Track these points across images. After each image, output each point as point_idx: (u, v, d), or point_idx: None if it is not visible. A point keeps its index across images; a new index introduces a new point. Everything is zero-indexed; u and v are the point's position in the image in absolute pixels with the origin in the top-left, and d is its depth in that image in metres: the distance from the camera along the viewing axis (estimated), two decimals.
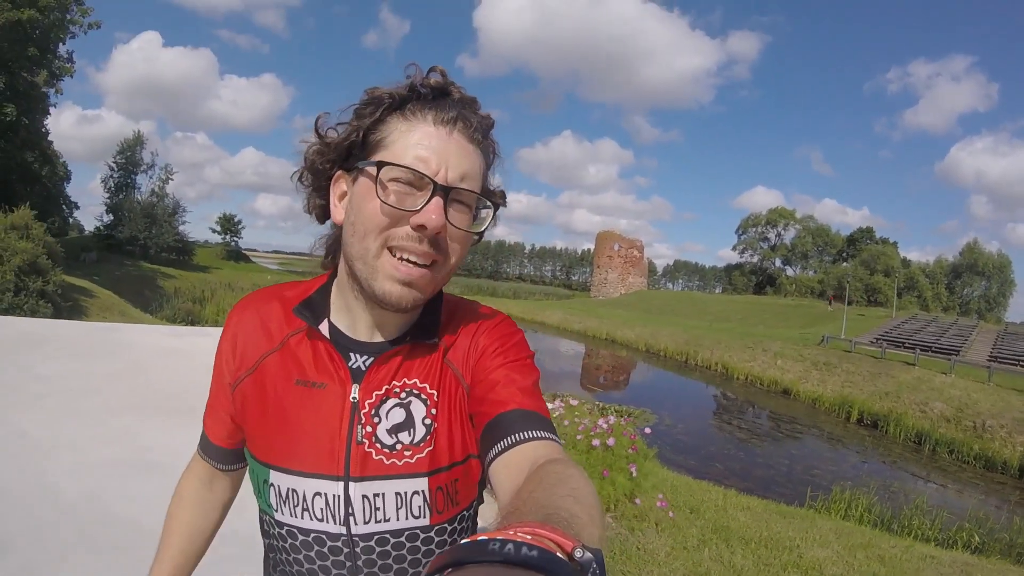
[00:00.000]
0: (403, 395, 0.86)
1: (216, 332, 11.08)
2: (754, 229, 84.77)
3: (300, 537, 0.86)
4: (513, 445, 0.76)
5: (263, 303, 0.94)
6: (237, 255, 69.40)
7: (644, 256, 70.71)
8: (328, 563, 0.86)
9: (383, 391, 0.85)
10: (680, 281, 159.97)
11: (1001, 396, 19.28)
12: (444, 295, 0.95)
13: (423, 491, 0.84)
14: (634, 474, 5.10)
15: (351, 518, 0.84)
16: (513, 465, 0.73)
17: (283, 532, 0.88)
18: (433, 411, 0.86)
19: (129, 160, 49.06)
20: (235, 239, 71.51)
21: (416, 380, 0.87)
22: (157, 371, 7.04)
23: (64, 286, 18.51)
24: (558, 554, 0.38)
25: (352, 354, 0.88)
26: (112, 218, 47.12)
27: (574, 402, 6.42)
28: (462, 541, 0.38)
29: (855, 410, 20.02)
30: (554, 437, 0.78)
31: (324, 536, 0.85)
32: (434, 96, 0.83)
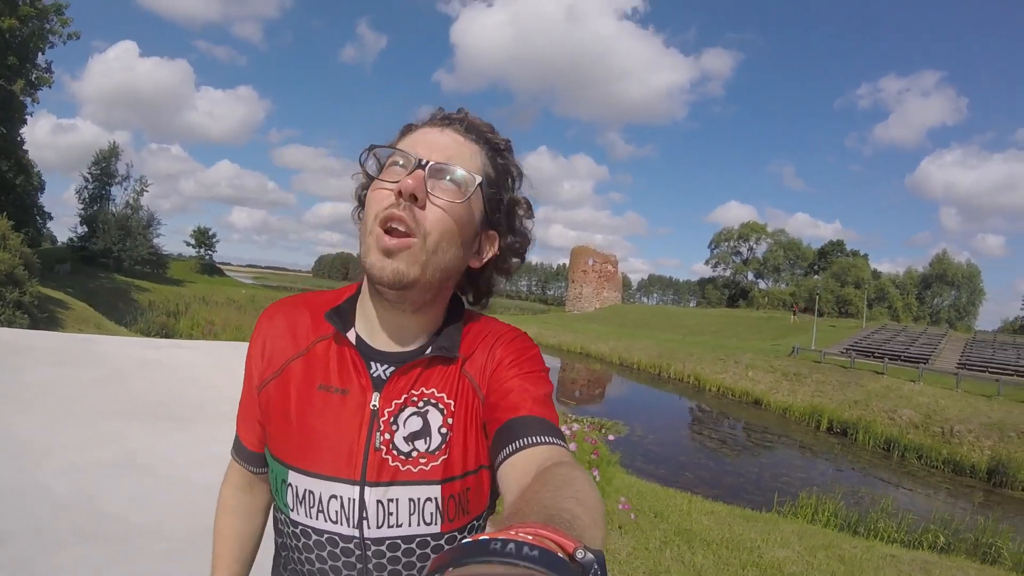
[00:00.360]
0: (421, 404, 0.88)
1: (192, 345, 11.77)
2: (727, 243, 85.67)
3: (314, 537, 0.88)
4: (521, 448, 0.77)
5: (292, 309, 0.97)
6: (211, 269, 68.77)
7: (618, 271, 71.23)
8: (339, 564, 0.87)
9: (402, 400, 0.88)
10: (655, 295, 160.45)
11: (969, 402, 19.74)
12: (466, 312, 0.98)
13: (436, 498, 0.85)
14: (597, 478, 5.20)
15: (365, 522, 0.85)
16: (520, 467, 0.75)
17: (297, 532, 0.89)
18: (449, 420, 0.88)
19: (104, 171, 48.51)
20: (209, 252, 70.94)
21: (434, 390, 0.89)
22: (138, 380, 7.24)
23: (40, 297, 18.33)
24: (559, 555, 0.38)
25: (373, 363, 0.90)
26: (86, 229, 46.54)
27: None
28: (464, 540, 0.38)
29: (825, 419, 20.38)
30: (562, 443, 0.80)
31: (337, 538, 0.87)
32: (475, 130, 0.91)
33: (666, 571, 4.37)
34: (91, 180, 48.50)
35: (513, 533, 0.40)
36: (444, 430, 0.87)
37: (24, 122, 30.70)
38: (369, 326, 0.92)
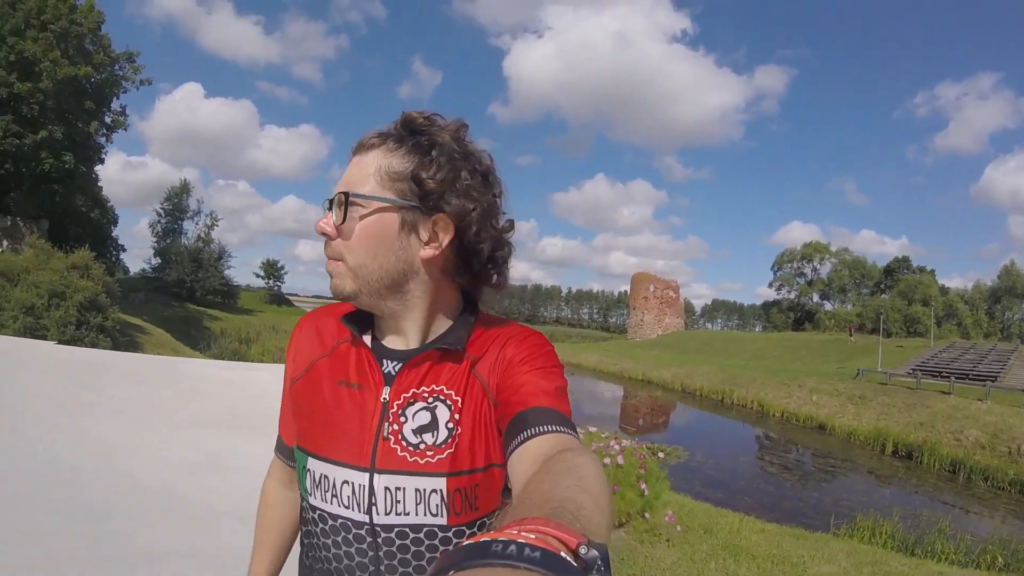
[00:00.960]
0: (430, 399, 0.92)
1: (262, 367, 12.79)
2: (789, 265, 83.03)
3: (329, 522, 0.93)
4: (529, 438, 0.79)
5: (322, 316, 1.07)
6: (280, 299, 70.64)
7: (680, 296, 69.80)
8: (352, 550, 0.92)
9: (411, 394, 0.93)
10: (719, 321, 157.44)
11: None
12: (480, 312, 1.03)
13: (441, 490, 0.88)
14: (645, 492, 5.44)
15: (374, 508, 0.90)
16: (528, 456, 0.77)
17: (315, 516, 0.95)
18: (456, 416, 0.91)
19: (176, 206, 50.96)
20: (278, 284, 73.13)
21: (443, 386, 0.93)
22: (214, 398, 8.05)
23: (120, 323, 19.54)
24: (562, 553, 0.38)
25: (386, 360, 0.96)
26: (160, 261, 48.82)
27: (592, 429, 6.74)
28: (465, 543, 0.38)
29: (890, 442, 19.79)
30: (570, 432, 0.81)
31: (350, 523, 0.91)
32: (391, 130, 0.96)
33: None
34: (164, 215, 51.01)
35: (515, 532, 0.40)
36: (451, 425, 0.91)
37: (101, 161, 32.68)
38: (381, 329, 1.00)
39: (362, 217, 0.90)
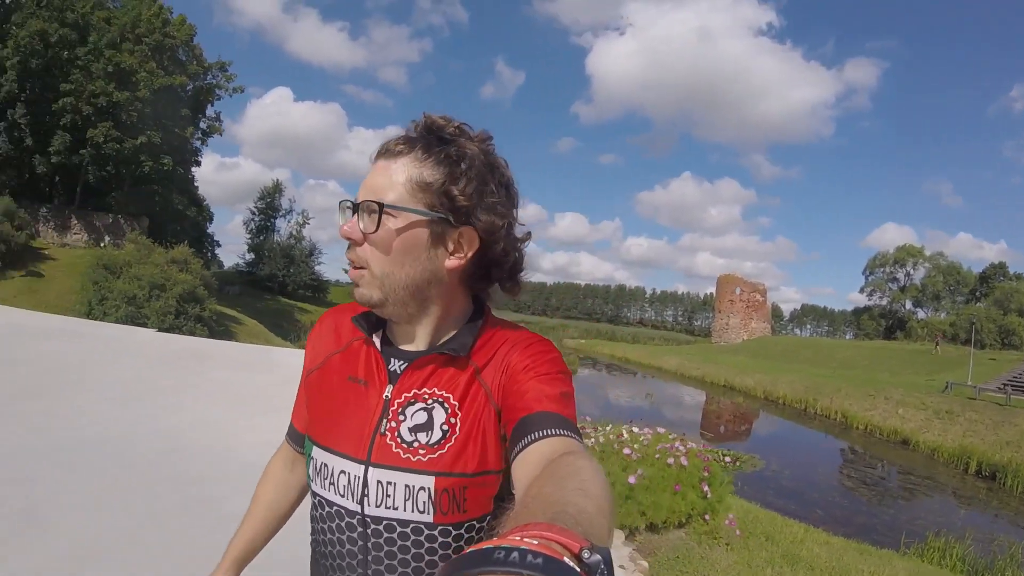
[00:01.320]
0: (429, 401, 0.95)
1: None
2: (881, 269, 78.38)
3: (327, 508, 0.98)
4: (533, 442, 0.81)
5: (340, 314, 1.11)
6: None
7: (767, 300, 67.39)
8: (344, 537, 0.96)
9: (412, 394, 0.95)
10: (808, 327, 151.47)
11: None
12: (489, 316, 1.04)
13: (429, 489, 0.90)
14: (708, 494, 5.52)
15: (366, 499, 0.93)
16: (530, 461, 0.78)
17: (317, 502, 1.01)
18: (452, 420, 0.93)
19: (269, 205, 53.25)
20: None
21: (444, 390, 0.95)
22: None
23: (217, 313, 20.91)
24: (565, 559, 0.38)
25: (393, 360, 1.00)
26: (253, 256, 51.17)
27: (661, 430, 6.73)
28: (468, 549, 0.39)
29: (974, 461, 18.76)
30: (573, 435, 0.82)
31: (343, 511, 0.96)
32: (417, 136, 0.97)
33: None
34: (257, 213, 53.33)
35: (518, 539, 0.40)
36: (446, 427, 0.93)
37: (197, 163, 34.63)
38: (392, 330, 1.03)
39: (395, 228, 0.92)
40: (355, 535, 0.95)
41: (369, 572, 0.95)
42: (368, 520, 0.94)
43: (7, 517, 3.79)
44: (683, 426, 19.86)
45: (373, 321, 1.03)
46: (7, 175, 28.96)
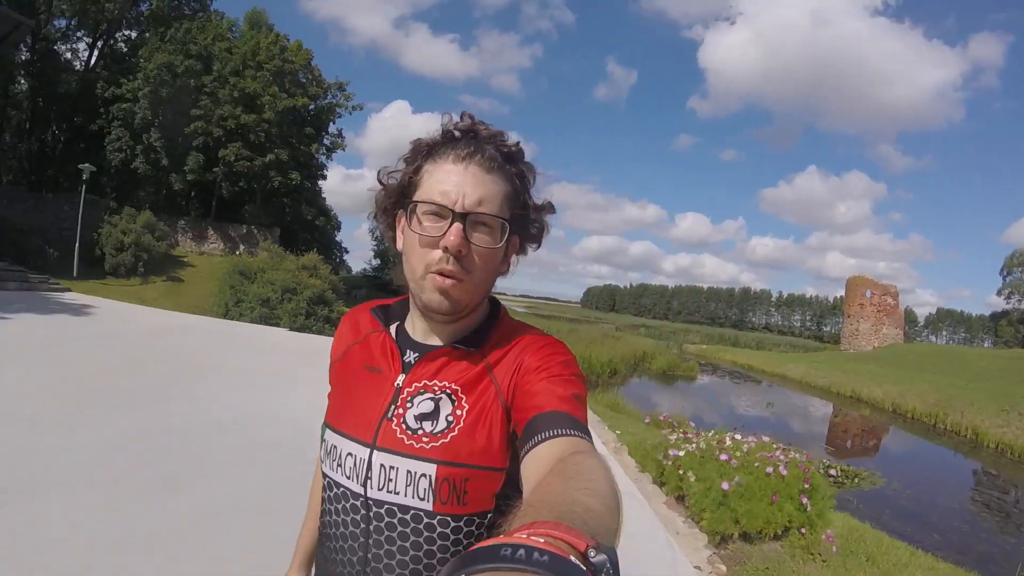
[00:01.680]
0: (438, 392, 0.97)
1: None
2: (1020, 269, 71.45)
3: (334, 490, 1.01)
4: (542, 441, 0.81)
5: (360, 311, 1.17)
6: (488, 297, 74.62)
7: (899, 304, 62.74)
8: (348, 519, 0.99)
9: (422, 384, 0.98)
10: (944, 333, 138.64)
11: None
12: (504, 316, 1.08)
13: (430, 476, 0.92)
14: (808, 507, 5.40)
15: (369, 481, 0.95)
16: (540, 459, 0.78)
17: (327, 483, 1.03)
18: (459, 412, 0.95)
19: None
20: None
21: (453, 383, 0.98)
22: None
23: (343, 314, 22.24)
24: (571, 557, 0.39)
25: (408, 351, 1.03)
26: (379, 262, 53.78)
27: (765, 438, 6.64)
28: (475, 546, 0.39)
29: None
30: (582, 435, 0.82)
31: (348, 492, 0.98)
32: (462, 137, 0.98)
33: None
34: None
35: (525, 536, 0.41)
36: (451, 418, 0.95)
37: (323, 177, 36.71)
38: (412, 324, 1.07)
39: (497, 243, 0.96)
40: (358, 517, 0.98)
41: (369, 556, 0.97)
42: (371, 503, 0.96)
43: (154, 480, 4.64)
44: (808, 440, 19.12)
45: (391, 313, 1.11)
46: (147, 192, 32.24)
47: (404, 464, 0.94)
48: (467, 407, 0.95)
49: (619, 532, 0.56)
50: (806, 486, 5.53)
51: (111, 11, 30.02)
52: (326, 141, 34.93)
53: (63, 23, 31.77)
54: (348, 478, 0.98)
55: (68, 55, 32.19)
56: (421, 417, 0.96)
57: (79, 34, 32.19)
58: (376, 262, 53.96)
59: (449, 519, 0.93)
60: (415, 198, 0.97)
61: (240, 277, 20.02)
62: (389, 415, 0.97)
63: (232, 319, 18.62)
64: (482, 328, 1.04)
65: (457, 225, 0.92)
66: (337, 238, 47.40)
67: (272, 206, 31.71)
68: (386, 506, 0.94)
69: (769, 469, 5.48)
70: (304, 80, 31.92)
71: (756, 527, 5.23)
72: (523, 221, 1.02)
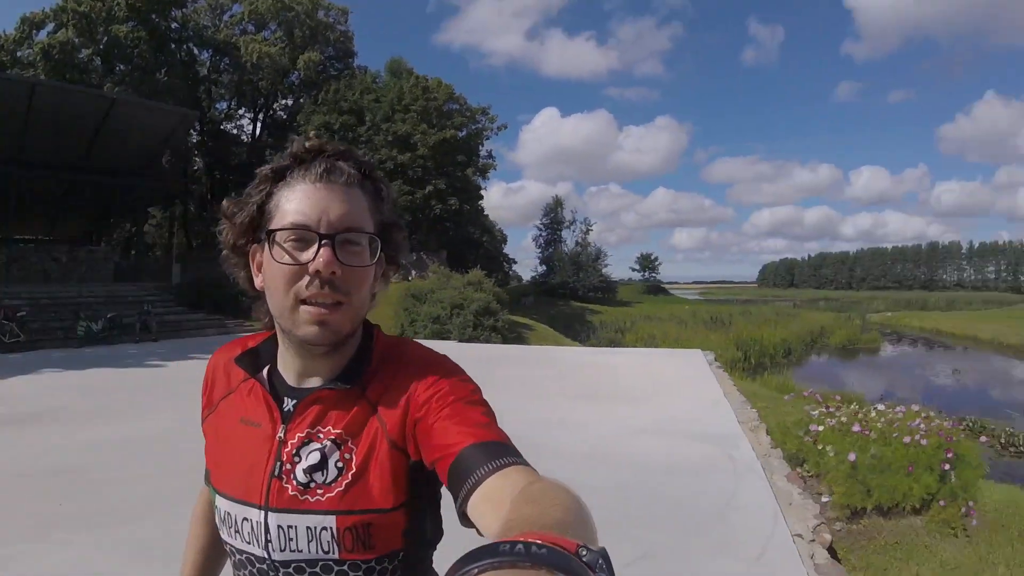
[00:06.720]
0: (324, 440, 0.90)
1: (618, 351, 17.10)
2: None
3: (237, 556, 0.95)
4: (484, 478, 0.76)
5: (230, 351, 1.05)
6: (657, 289, 73.76)
7: None
8: None
9: (305, 434, 0.91)
10: None
11: None
12: (378, 338, 1.01)
13: (331, 528, 0.87)
14: (952, 477, 5.08)
15: (269, 544, 0.90)
16: (493, 497, 0.73)
17: (229, 550, 0.97)
18: (347, 456, 0.89)
19: (553, 220, 57.17)
20: (653, 275, 76.82)
21: (336, 427, 0.91)
22: (575, 376, 11.18)
23: (509, 323, 23.68)
24: (567, 552, 0.40)
25: (286, 398, 0.95)
26: (545, 268, 55.23)
27: (915, 407, 6.27)
28: (474, 547, 0.40)
29: None
30: (519, 460, 0.79)
31: (252, 558, 0.92)
32: (312, 158, 0.90)
33: None
34: (544, 228, 57.56)
35: (518, 536, 0.42)
36: (340, 464, 0.89)
37: (481, 198, 39.01)
38: (285, 365, 0.97)
39: (369, 260, 0.90)
40: None
41: None
42: (277, 565, 0.90)
43: None
44: (992, 406, 16.80)
45: (260, 356, 1.01)
46: None
47: (302, 521, 0.88)
48: (355, 450, 0.90)
49: (596, 541, 0.54)
50: (949, 455, 5.19)
51: (264, 88, 34.79)
52: (479, 164, 37.18)
53: (224, 105, 37.84)
54: (248, 543, 0.92)
55: (235, 131, 38.03)
56: (311, 470, 0.89)
57: (240, 111, 37.88)
58: (542, 268, 55.92)
59: (360, 563, 0.89)
60: (271, 227, 0.88)
61: (412, 299, 21.99)
62: (277, 472, 0.91)
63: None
64: (359, 357, 0.96)
65: (326, 247, 0.85)
66: (504, 250, 49.63)
67: (437, 231, 34.24)
68: (293, 564, 0.89)
69: (907, 439, 5.27)
70: (451, 109, 34.22)
71: (891, 500, 5.02)
72: (388, 236, 0.96)
